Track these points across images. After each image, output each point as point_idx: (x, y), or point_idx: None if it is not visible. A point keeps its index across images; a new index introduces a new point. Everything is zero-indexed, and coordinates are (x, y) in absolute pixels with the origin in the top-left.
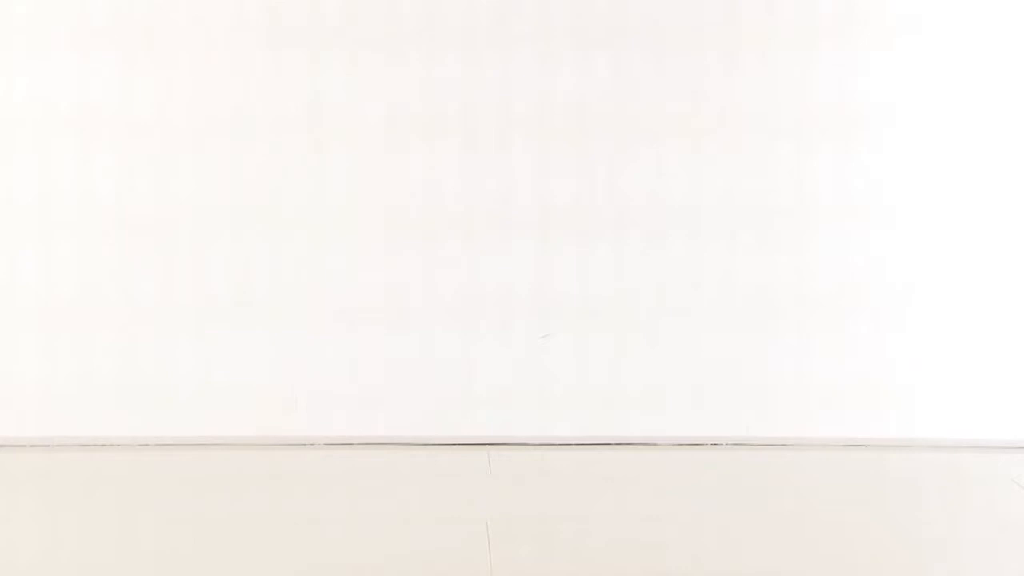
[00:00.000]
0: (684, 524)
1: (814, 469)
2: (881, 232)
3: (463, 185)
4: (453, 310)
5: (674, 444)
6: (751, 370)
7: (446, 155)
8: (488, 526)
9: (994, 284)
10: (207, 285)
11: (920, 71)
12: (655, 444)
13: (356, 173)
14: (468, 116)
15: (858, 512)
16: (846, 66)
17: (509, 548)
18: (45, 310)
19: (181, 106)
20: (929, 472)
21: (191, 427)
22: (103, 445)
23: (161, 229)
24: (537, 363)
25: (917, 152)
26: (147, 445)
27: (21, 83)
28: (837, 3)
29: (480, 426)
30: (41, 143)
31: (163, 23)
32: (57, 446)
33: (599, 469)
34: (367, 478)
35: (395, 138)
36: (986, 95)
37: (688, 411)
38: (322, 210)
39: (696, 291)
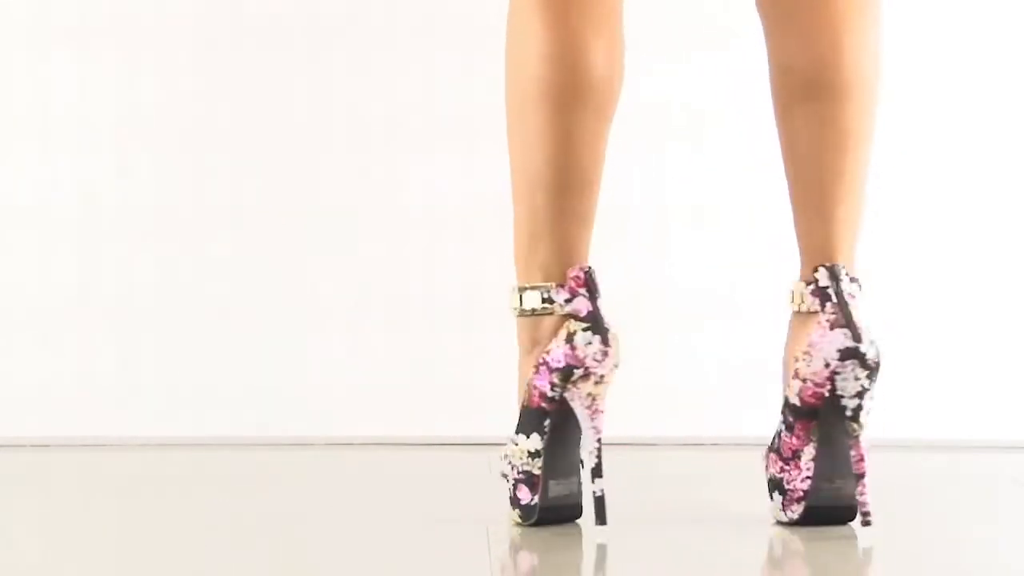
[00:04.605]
0: (685, 523)
1: None
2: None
3: (463, 185)
4: (453, 309)
5: (674, 444)
6: (752, 370)
7: (449, 157)
8: (488, 527)
9: (993, 283)
10: (207, 285)
11: None
12: (655, 444)
13: (358, 175)
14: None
15: None
16: None
17: (509, 549)
18: (45, 310)
19: (182, 106)
20: (929, 472)
21: (191, 427)
22: (103, 445)
23: (161, 229)
24: None
25: None
26: (147, 445)
27: (21, 83)
28: None
29: (480, 426)
30: (41, 143)
31: (164, 23)
32: (57, 446)
33: None
34: (366, 478)
35: (397, 142)
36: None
37: (689, 412)
38: (322, 210)
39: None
